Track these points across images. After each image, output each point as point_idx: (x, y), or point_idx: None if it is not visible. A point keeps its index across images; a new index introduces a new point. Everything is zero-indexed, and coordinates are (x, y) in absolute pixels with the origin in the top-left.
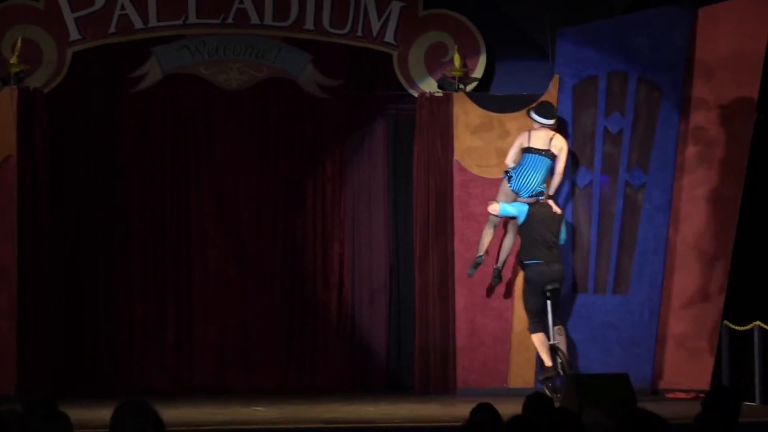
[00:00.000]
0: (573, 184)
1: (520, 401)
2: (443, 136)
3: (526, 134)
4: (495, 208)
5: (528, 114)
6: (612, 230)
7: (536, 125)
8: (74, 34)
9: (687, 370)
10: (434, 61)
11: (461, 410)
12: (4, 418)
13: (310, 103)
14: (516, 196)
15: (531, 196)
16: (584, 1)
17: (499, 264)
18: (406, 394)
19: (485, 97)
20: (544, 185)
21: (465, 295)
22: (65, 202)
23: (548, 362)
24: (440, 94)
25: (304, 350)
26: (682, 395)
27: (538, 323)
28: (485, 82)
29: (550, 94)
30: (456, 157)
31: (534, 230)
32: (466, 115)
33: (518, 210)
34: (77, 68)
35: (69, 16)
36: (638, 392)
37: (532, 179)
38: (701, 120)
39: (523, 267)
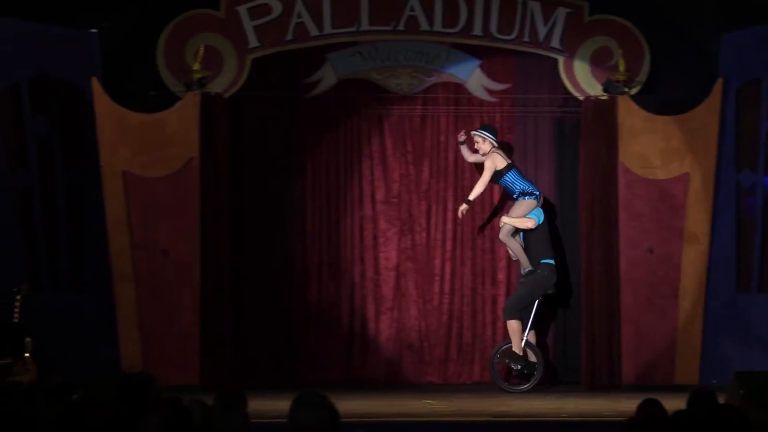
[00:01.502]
0: (738, 186)
1: (685, 397)
2: (608, 139)
3: (498, 156)
4: (532, 222)
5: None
6: None
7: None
8: (253, 41)
9: None
10: (599, 65)
11: (627, 405)
12: (189, 408)
13: (478, 107)
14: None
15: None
16: (748, 5)
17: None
18: (572, 389)
19: (649, 100)
20: None
21: (630, 293)
22: (244, 201)
23: (520, 350)
24: (605, 98)
25: (472, 345)
26: None
27: (520, 312)
28: (649, 85)
29: (714, 98)
30: (621, 159)
31: (547, 230)
32: (631, 117)
33: (539, 213)
34: (256, 74)
35: (248, 25)
36: None
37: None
38: None
39: (538, 265)
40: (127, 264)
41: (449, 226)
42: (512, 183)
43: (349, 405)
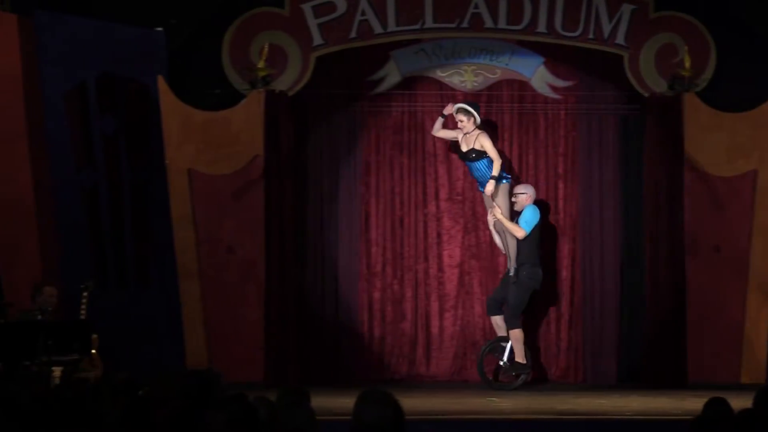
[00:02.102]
0: None
1: (751, 396)
2: (673, 136)
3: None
4: (522, 233)
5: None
6: None
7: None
8: (317, 39)
9: None
10: (664, 61)
11: (693, 404)
12: (254, 404)
13: (542, 104)
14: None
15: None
16: None
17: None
18: (638, 387)
19: (715, 96)
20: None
21: (696, 291)
22: (308, 199)
23: (524, 359)
24: (670, 95)
25: (536, 342)
26: None
27: (520, 318)
28: (715, 81)
29: None
30: (686, 156)
31: (539, 234)
32: (697, 114)
33: (533, 220)
34: (319, 72)
35: (312, 22)
36: None
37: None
38: None
39: (524, 266)
40: (193, 261)
41: None
42: (488, 167)
43: (413, 402)
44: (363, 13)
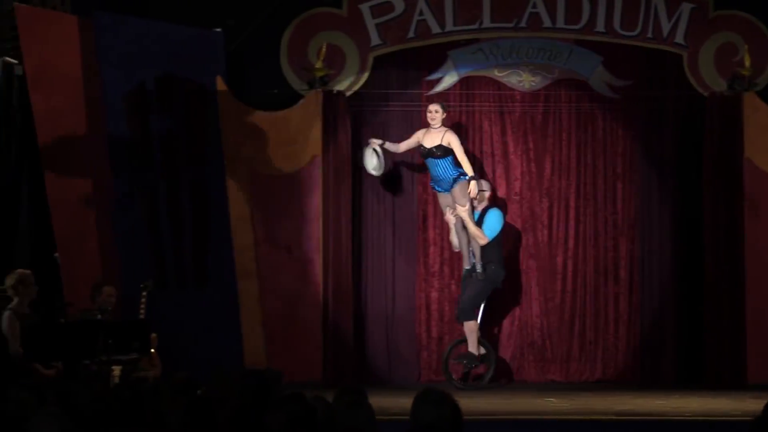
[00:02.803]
0: None
1: None
2: (733, 135)
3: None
4: (485, 240)
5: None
6: None
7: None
8: (375, 39)
9: None
10: (724, 61)
11: (752, 405)
12: (312, 404)
13: (601, 103)
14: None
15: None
16: None
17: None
18: (697, 388)
19: None
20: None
21: (756, 291)
22: (366, 198)
23: (476, 350)
24: (730, 94)
25: (594, 343)
26: None
27: (475, 311)
28: None
29: None
30: (746, 155)
31: (501, 236)
32: (757, 114)
33: (498, 225)
34: (377, 72)
35: (370, 23)
36: None
37: None
38: None
39: (488, 264)
40: (251, 261)
41: (571, 223)
42: (451, 166)
43: (471, 402)
44: (421, 13)
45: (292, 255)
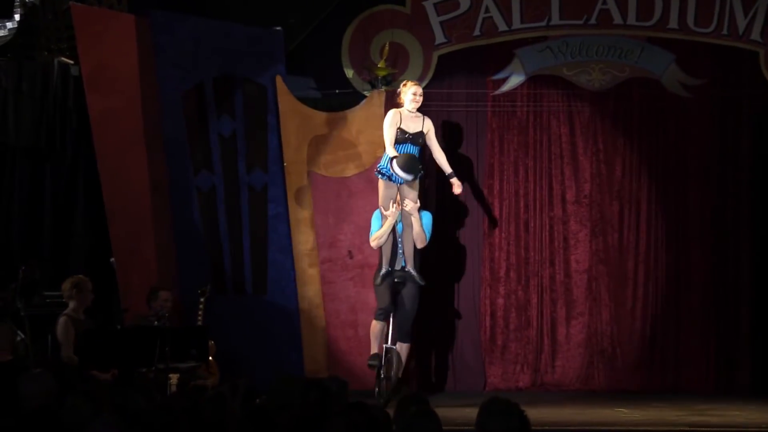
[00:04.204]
0: None
1: None
2: None
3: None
4: (424, 244)
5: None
6: None
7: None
8: (440, 37)
9: None
10: None
11: None
12: (372, 413)
13: (674, 103)
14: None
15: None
16: None
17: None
18: None
19: None
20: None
21: None
22: (429, 201)
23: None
24: None
25: (667, 351)
26: None
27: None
28: None
29: None
30: None
31: None
32: None
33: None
34: (442, 70)
35: (435, 20)
36: None
37: None
38: None
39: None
40: (311, 266)
41: (642, 227)
42: (420, 154)
43: (539, 412)
44: (487, 11)
45: (353, 260)
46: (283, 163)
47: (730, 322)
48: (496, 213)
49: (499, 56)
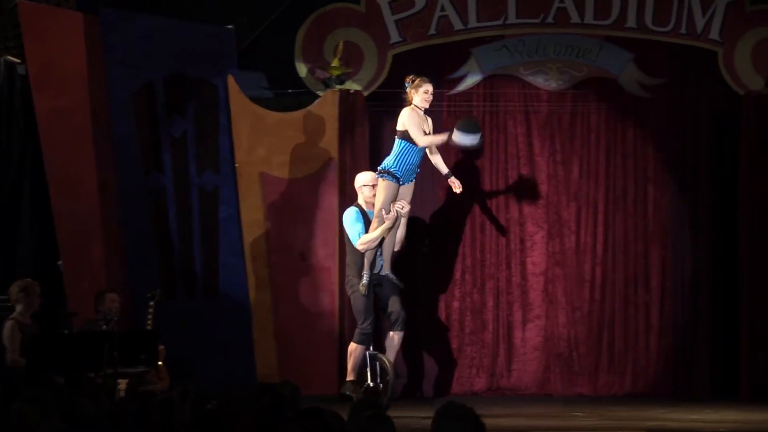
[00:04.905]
0: None
1: None
2: None
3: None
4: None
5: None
6: None
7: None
8: (395, 36)
9: None
10: (761, 58)
11: None
12: (326, 419)
13: (632, 102)
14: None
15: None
16: None
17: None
18: (732, 401)
19: None
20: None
21: None
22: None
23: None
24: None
25: (624, 354)
26: None
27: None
28: None
29: None
30: None
31: None
32: None
33: None
34: (397, 70)
35: (389, 19)
36: None
37: None
38: None
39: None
40: (264, 268)
41: (600, 228)
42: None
43: (495, 418)
44: (442, 9)
45: (306, 262)
46: (234, 164)
47: (688, 325)
48: (451, 214)
49: (455, 55)
